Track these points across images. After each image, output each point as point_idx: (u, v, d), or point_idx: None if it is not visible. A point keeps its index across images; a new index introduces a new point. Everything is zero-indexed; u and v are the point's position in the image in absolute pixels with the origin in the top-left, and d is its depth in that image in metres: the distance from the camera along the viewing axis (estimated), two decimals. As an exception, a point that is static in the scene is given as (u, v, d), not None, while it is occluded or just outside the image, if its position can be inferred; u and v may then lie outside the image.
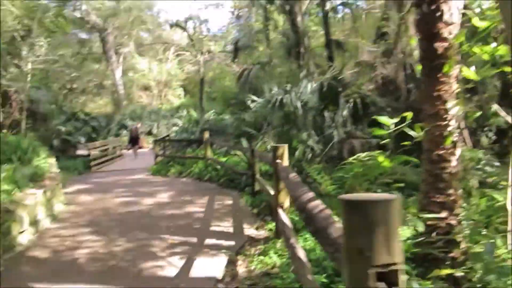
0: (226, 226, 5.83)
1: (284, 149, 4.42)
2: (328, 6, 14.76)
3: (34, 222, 5.71)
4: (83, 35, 34.57)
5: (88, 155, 15.27)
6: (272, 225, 5.47)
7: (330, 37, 15.19)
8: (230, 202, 7.57)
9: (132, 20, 33.37)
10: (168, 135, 20.80)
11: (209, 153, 11.52)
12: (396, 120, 2.78)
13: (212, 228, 5.73)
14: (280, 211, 4.21)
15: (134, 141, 19.75)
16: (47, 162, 8.00)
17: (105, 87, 35.86)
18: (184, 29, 30.82)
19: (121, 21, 33.17)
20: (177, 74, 36.50)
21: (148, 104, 34.34)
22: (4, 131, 8.81)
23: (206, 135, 11.67)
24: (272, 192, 5.40)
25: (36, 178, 6.79)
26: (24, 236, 5.28)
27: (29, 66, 10.82)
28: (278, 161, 4.37)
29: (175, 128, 23.81)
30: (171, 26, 31.80)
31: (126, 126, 26.82)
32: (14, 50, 11.12)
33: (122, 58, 34.28)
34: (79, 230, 5.86)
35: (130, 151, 19.64)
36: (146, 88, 36.44)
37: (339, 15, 18.78)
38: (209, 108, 25.76)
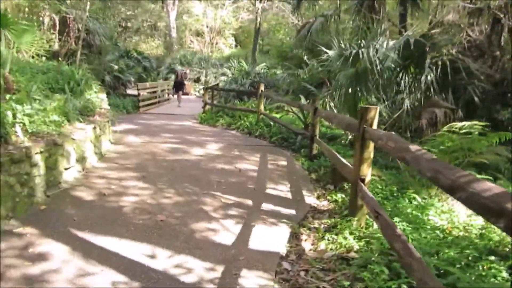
0: (283, 190, 5.20)
1: (376, 111, 3.57)
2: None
3: (81, 159, 5.37)
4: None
5: (138, 95, 15.03)
6: (337, 196, 4.78)
7: (407, -8, 13.45)
8: (284, 163, 6.92)
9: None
10: (217, 84, 20.19)
11: (262, 107, 10.82)
12: None
13: (268, 191, 5.13)
14: (362, 185, 3.48)
15: (179, 86, 18.29)
16: (99, 97, 7.65)
17: (159, 28, 35.49)
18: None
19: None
20: (231, 22, 35.26)
21: (198, 50, 33.68)
22: (60, 59, 8.46)
23: (262, 87, 10.88)
24: (342, 159, 4.67)
25: (86, 112, 6.44)
26: (70, 172, 4.95)
27: (89, -7, 10.34)
28: (364, 126, 3.57)
29: (223, 78, 23.12)
30: (231, -31, 30.30)
31: (176, 70, 26.46)
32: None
33: (177, 0, 33.43)
34: (126, 174, 5.47)
35: (175, 96, 18.86)
36: (199, 34, 35.63)
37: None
38: (260, 61, 24.71)
